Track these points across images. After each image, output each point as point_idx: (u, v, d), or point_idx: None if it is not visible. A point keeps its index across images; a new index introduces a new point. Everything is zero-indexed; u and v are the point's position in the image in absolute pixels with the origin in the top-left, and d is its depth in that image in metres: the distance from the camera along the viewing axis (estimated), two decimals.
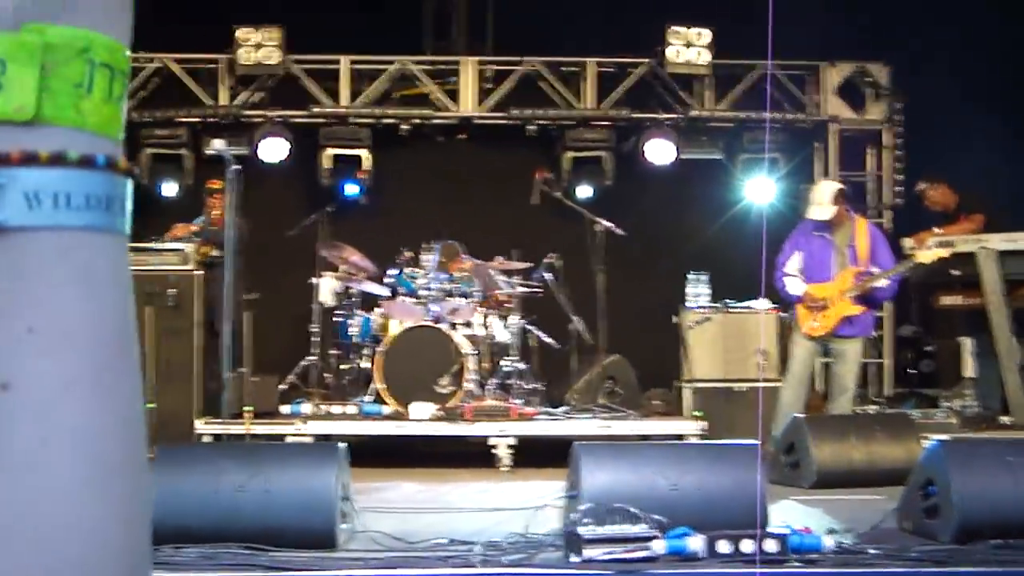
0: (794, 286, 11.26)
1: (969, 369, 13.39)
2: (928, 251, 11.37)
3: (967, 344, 13.50)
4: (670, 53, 14.36)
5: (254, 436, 10.90)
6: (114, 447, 0.93)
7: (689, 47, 14.37)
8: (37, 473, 0.91)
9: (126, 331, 0.85)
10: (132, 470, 0.92)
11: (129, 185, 0.86)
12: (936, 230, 12.55)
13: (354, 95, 14.88)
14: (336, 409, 11.61)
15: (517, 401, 11.88)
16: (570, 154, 14.88)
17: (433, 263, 12.66)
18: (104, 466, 0.94)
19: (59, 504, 0.91)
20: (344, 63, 14.86)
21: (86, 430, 0.91)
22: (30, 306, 0.82)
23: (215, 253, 12.16)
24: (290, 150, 14.49)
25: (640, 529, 6.01)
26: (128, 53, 0.84)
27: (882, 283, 11.13)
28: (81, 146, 0.81)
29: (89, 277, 0.82)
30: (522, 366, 12.44)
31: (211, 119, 14.68)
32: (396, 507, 8.17)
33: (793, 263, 11.32)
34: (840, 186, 11.65)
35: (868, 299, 11.21)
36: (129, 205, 0.87)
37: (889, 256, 11.36)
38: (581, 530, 5.95)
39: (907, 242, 12.88)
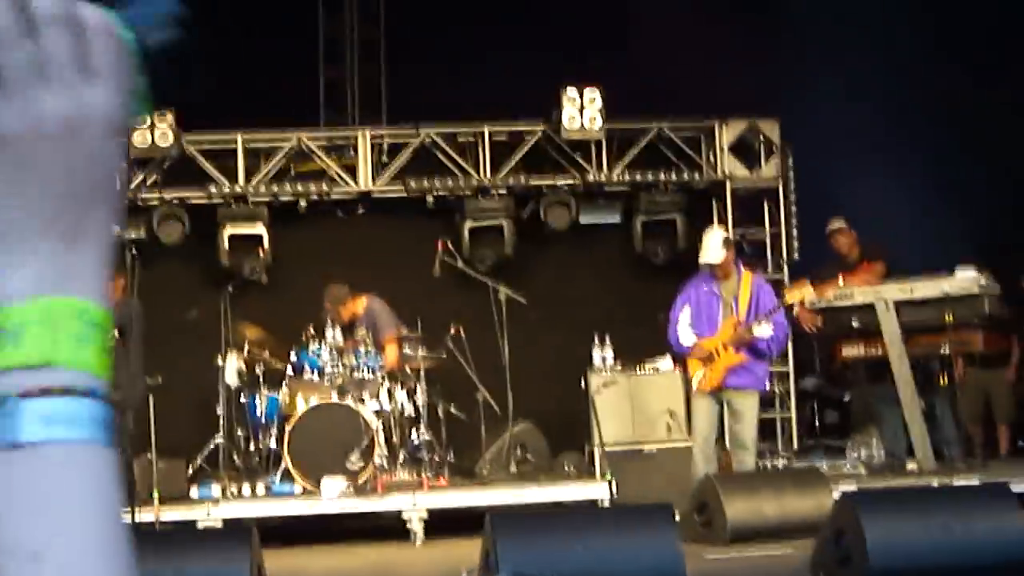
0: (685, 338, 11.42)
1: (873, 418, 13.55)
2: (794, 291, 11.59)
3: (870, 393, 13.66)
4: (565, 118, 14.44)
5: (164, 522, 10.75)
6: None
7: (583, 110, 14.46)
8: None
9: (119, 517, 1.11)
10: None
11: (113, 411, 1.12)
12: (839, 282, 12.75)
13: (250, 172, 14.80)
14: (246, 490, 11.51)
15: (428, 473, 11.84)
16: (469, 223, 14.86)
17: (328, 318, 12.67)
18: None
19: None
20: (239, 141, 14.78)
21: None
22: (50, 499, 1.09)
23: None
24: (188, 231, 14.37)
25: None
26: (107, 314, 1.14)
27: (763, 332, 11.27)
28: (82, 382, 1.09)
29: (91, 474, 1.10)
30: (431, 438, 12.39)
31: None
32: None
33: (684, 316, 11.49)
34: (726, 234, 11.85)
35: (754, 350, 11.35)
36: (113, 426, 1.12)
37: (773, 310, 11.51)
38: None
39: (807, 294, 13.06)
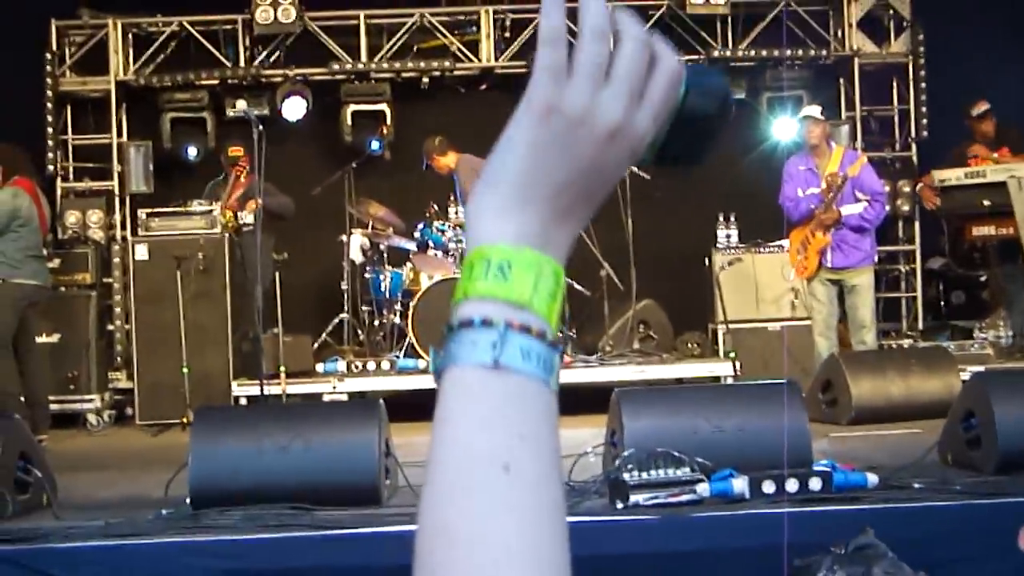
0: (803, 204, 11.41)
1: (1003, 299, 13.35)
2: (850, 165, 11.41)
3: (999, 274, 13.45)
4: None
5: (290, 395, 10.92)
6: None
7: None
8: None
9: (559, 458, 1.24)
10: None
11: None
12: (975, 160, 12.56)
13: (373, 50, 14.79)
14: (371, 365, 11.63)
15: None
16: None
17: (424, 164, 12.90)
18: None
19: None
20: (362, 18, 14.75)
21: (553, 514, 1.21)
22: (520, 422, 1.20)
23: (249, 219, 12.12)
24: (311, 108, 14.43)
25: (684, 473, 6.00)
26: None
27: (852, 210, 11.11)
28: (550, 333, 1.22)
29: (549, 413, 1.22)
30: None
31: (231, 80, 14.61)
32: None
33: (793, 191, 11.46)
34: (816, 112, 11.67)
35: (852, 227, 11.20)
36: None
37: (872, 179, 11.32)
38: (625, 476, 5.93)
39: (940, 174, 12.86)
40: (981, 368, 10.44)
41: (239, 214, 12.28)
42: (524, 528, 1.17)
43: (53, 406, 11.24)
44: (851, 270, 11.20)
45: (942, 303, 15.17)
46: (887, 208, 11.22)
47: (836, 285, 11.34)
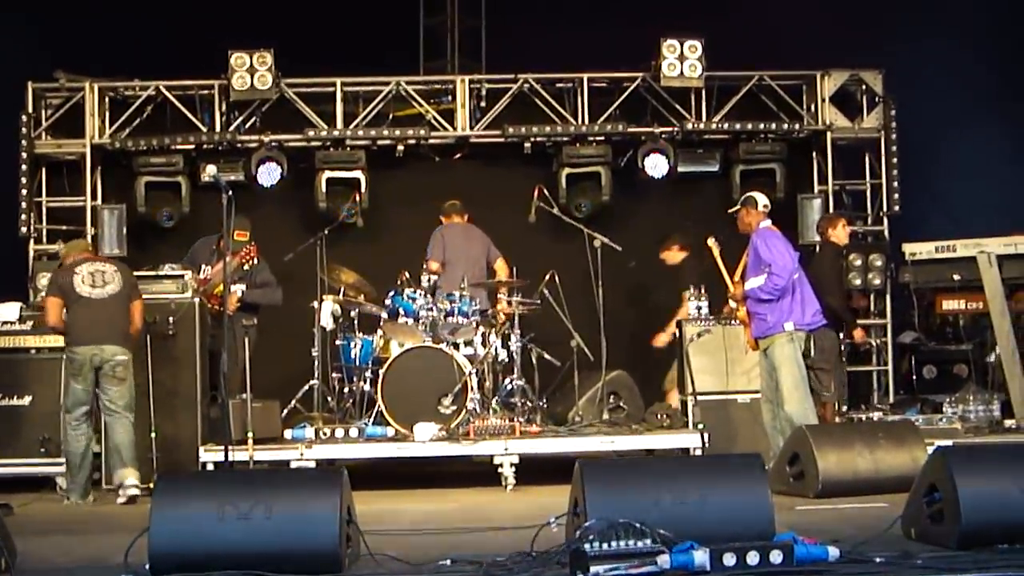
0: None
1: (972, 374, 13.40)
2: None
3: (970, 349, 13.50)
4: (665, 67, 14.34)
5: (257, 462, 10.86)
6: None
7: (683, 60, 14.36)
8: None
9: None
10: None
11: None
12: None
13: (349, 117, 14.85)
14: (339, 433, 11.58)
15: (520, 419, 11.84)
16: (567, 170, 14.85)
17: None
18: None
19: None
20: (338, 85, 14.82)
21: None
22: None
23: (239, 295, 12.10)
24: (285, 174, 14.49)
25: (645, 544, 5.98)
26: None
27: (753, 283, 11.05)
28: None
29: None
30: (524, 384, 12.40)
31: (206, 145, 14.65)
32: (401, 529, 8.15)
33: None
34: (749, 195, 11.62)
35: (753, 299, 11.15)
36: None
37: (764, 251, 11.11)
38: (586, 547, 5.92)
39: (910, 247, 12.92)
40: (948, 442, 10.47)
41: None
42: None
43: (23, 469, 11.18)
44: (764, 339, 11.13)
45: (914, 377, 15.20)
46: (780, 279, 10.97)
47: (766, 356, 11.25)
